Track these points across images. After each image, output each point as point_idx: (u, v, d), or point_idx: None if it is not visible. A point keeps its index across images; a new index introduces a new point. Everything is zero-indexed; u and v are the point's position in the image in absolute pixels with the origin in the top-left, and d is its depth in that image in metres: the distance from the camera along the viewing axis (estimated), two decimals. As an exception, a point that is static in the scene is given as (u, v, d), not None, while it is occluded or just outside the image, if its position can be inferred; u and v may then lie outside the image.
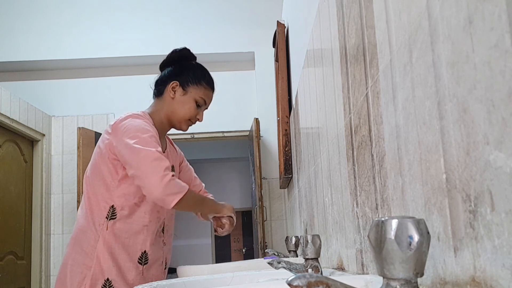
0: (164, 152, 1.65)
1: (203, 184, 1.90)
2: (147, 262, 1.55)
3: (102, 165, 1.53)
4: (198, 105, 1.65)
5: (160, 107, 1.65)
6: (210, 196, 1.86)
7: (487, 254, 0.45)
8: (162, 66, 1.73)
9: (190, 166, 1.86)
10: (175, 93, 1.63)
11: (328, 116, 1.34)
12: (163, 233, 1.63)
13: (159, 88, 1.67)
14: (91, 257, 1.49)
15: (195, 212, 1.71)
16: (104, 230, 1.51)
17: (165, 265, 1.66)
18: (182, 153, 1.84)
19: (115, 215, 1.52)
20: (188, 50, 1.72)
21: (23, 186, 4.07)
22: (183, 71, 1.66)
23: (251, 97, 4.38)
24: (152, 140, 1.47)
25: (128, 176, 1.50)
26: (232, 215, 1.68)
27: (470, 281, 0.49)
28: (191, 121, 1.66)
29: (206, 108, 1.69)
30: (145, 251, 1.54)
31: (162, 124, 1.66)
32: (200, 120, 1.67)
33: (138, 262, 1.53)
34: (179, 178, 1.76)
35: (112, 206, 1.52)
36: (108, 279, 1.48)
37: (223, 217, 1.67)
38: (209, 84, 1.67)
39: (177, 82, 1.63)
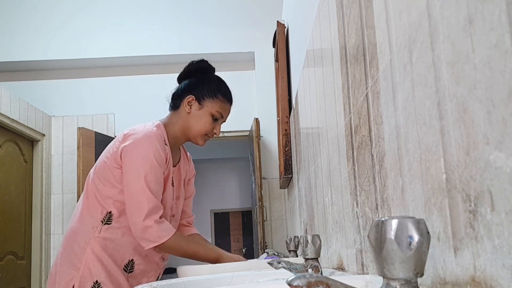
0: (175, 166, 1.64)
1: (193, 216, 1.85)
2: (132, 271, 1.55)
3: (107, 171, 1.53)
4: (215, 119, 1.61)
5: (175, 121, 1.63)
6: (195, 232, 1.81)
7: (487, 254, 0.45)
8: (180, 79, 1.70)
9: (194, 189, 1.83)
10: (190, 107, 1.60)
11: (328, 116, 1.34)
12: (162, 251, 1.62)
13: (175, 102, 1.64)
14: (80, 259, 1.49)
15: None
16: (97, 233, 1.51)
17: (157, 279, 1.66)
18: (194, 170, 1.82)
19: (111, 221, 1.52)
20: (206, 61, 1.69)
21: (23, 186, 4.07)
22: (198, 85, 1.62)
23: (251, 97, 4.38)
24: (152, 178, 1.47)
25: None
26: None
27: (470, 281, 0.49)
28: (208, 135, 1.63)
29: (224, 121, 1.66)
30: (132, 260, 1.54)
31: (176, 137, 1.63)
32: (217, 133, 1.64)
33: (123, 269, 1.53)
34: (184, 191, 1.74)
35: (110, 212, 1.52)
36: (97, 281, 1.48)
37: None
38: (226, 97, 1.63)
39: (193, 96, 1.60)
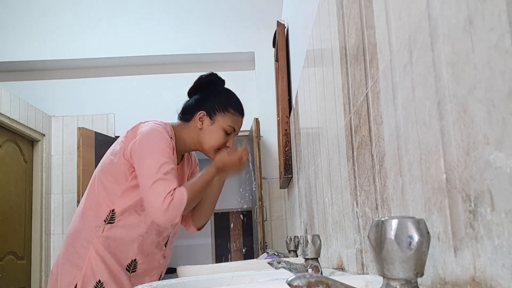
0: (178, 164, 1.64)
1: None
2: (135, 271, 1.54)
3: (114, 168, 1.52)
4: (227, 133, 1.60)
5: (185, 133, 1.62)
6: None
7: (487, 254, 0.45)
8: (190, 93, 1.69)
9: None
10: (202, 123, 1.60)
11: (328, 116, 1.34)
12: (165, 246, 1.62)
13: (186, 117, 1.64)
14: (82, 258, 1.49)
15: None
16: (100, 233, 1.50)
17: (159, 278, 1.66)
18: (197, 160, 1.82)
19: (114, 219, 1.51)
20: (215, 74, 1.67)
21: (23, 186, 4.07)
22: (209, 99, 1.62)
23: (251, 97, 4.38)
24: (164, 161, 1.44)
25: (135, 185, 1.50)
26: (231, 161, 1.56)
27: (470, 281, 0.49)
28: (221, 149, 1.62)
29: (237, 134, 1.65)
30: (134, 259, 1.54)
31: (183, 144, 1.63)
32: (230, 147, 1.63)
33: (126, 269, 1.53)
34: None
35: (113, 210, 1.51)
36: (99, 281, 1.47)
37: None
38: (237, 110, 1.62)
39: (204, 112, 1.59)
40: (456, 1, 0.49)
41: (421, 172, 0.61)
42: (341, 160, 1.15)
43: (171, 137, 1.55)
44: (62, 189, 4.35)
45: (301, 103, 2.17)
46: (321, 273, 0.95)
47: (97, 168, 1.60)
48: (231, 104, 1.62)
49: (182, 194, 1.43)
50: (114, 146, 1.57)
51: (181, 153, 1.66)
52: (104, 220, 1.51)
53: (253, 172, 4.19)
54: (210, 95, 1.63)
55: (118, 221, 1.51)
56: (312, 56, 1.68)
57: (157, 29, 4.45)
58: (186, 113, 1.65)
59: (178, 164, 1.64)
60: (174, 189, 1.43)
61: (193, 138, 1.62)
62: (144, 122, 1.56)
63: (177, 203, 1.42)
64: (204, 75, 1.67)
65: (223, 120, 1.60)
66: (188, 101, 1.68)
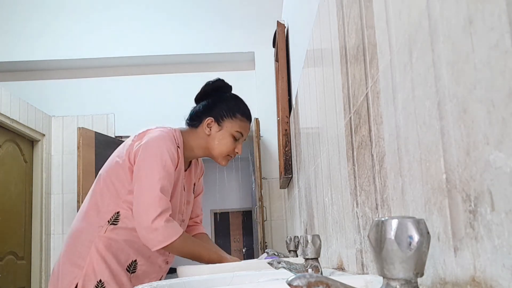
0: (186, 170, 1.65)
1: (202, 215, 1.85)
2: (135, 271, 1.54)
3: (120, 170, 1.52)
4: (235, 139, 1.62)
5: (194, 138, 1.63)
6: (202, 231, 1.80)
7: (487, 254, 0.45)
8: (197, 100, 1.69)
9: (203, 187, 1.83)
10: (210, 129, 1.60)
11: (328, 116, 1.34)
12: (169, 252, 1.62)
13: (194, 123, 1.64)
14: (84, 258, 1.49)
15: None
16: (102, 233, 1.50)
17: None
18: (204, 168, 1.83)
19: (118, 221, 1.51)
20: (222, 80, 1.68)
21: (23, 186, 4.07)
22: (216, 105, 1.62)
23: (251, 97, 4.37)
24: (164, 177, 1.45)
25: None
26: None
27: (470, 281, 0.49)
28: (230, 156, 1.63)
29: (245, 140, 1.66)
30: (135, 260, 1.54)
31: (192, 151, 1.63)
32: (239, 153, 1.64)
33: (126, 269, 1.53)
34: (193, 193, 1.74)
35: (118, 212, 1.51)
36: (100, 281, 1.47)
37: None
38: (245, 115, 1.64)
39: (212, 118, 1.60)
40: (456, 1, 0.49)
41: (421, 172, 0.61)
42: (341, 160, 1.15)
43: (178, 146, 1.55)
44: (62, 189, 4.35)
45: (301, 103, 2.17)
46: (321, 273, 0.95)
47: (102, 168, 1.60)
48: (239, 110, 1.63)
49: (177, 232, 1.44)
50: (120, 149, 1.57)
51: (189, 159, 1.66)
52: (108, 221, 1.51)
53: (253, 172, 4.19)
54: (218, 101, 1.64)
55: (122, 223, 1.51)
56: (312, 56, 1.68)
57: (157, 29, 4.45)
58: (194, 120, 1.65)
59: (185, 170, 1.64)
60: (170, 217, 1.44)
61: (201, 145, 1.62)
62: (152, 129, 1.56)
63: (167, 232, 1.42)
64: (211, 81, 1.68)
65: (231, 126, 1.60)
66: (195, 107, 1.68)
